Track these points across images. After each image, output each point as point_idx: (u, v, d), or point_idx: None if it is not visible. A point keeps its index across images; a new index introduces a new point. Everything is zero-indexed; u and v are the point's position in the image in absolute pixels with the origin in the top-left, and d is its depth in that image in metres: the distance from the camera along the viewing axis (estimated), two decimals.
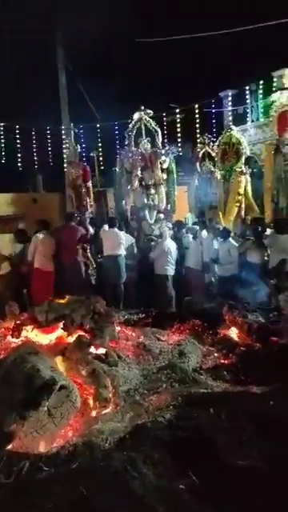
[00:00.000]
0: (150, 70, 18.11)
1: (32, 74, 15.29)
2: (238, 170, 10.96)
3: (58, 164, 14.37)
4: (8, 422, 3.69)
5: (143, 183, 10.82)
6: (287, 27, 11.96)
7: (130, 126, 11.37)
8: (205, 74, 18.27)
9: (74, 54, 15.44)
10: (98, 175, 15.17)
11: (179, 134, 14.48)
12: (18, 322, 5.38)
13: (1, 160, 13.55)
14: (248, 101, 15.25)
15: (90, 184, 11.64)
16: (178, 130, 14.50)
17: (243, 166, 11.11)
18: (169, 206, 11.23)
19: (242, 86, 14.79)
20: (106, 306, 5.87)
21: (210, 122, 15.78)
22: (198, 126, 14.48)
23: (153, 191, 10.81)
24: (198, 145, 13.16)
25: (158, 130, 11.41)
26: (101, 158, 15.20)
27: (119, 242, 9.15)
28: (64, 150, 14.04)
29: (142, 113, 11.28)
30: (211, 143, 12.73)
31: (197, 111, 14.20)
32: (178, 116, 14.61)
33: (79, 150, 11.89)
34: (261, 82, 14.48)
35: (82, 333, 5.14)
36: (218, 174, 11.56)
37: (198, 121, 14.41)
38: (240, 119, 16.28)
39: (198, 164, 12.93)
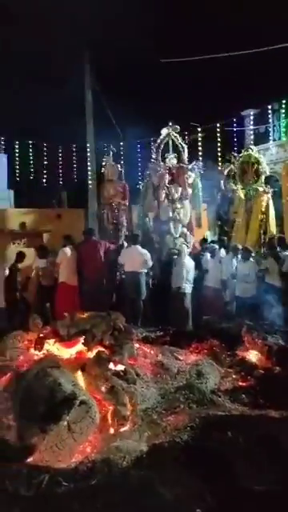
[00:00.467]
0: (172, 89, 18.39)
1: (58, 92, 15.68)
2: (260, 189, 11.00)
3: (82, 180, 14.64)
4: (29, 435, 3.78)
5: (169, 197, 10.99)
6: None
7: (158, 140, 11.60)
8: (227, 94, 18.46)
9: (101, 72, 15.81)
10: None
11: (200, 153, 14.62)
12: (41, 335, 5.48)
13: (28, 176, 13.87)
14: (270, 120, 15.34)
15: (127, 202, 11.78)
16: (200, 148, 14.65)
17: (264, 185, 11.14)
18: (194, 220, 11.35)
19: (265, 105, 14.91)
20: (126, 323, 5.94)
21: (231, 140, 15.91)
22: (219, 144, 14.60)
23: (178, 205, 10.96)
24: (226, 163, 13.24)
25: (185, 145, 11.61)
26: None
27: (141, 260, 9.24)
28: (88, 168, 14.31)
29: (170, 128, 11.50)
30: (235, 162, 12.81)
31: (218, 130, 14.33)
32: (199, 134, 14.77)
33: (120, 168, 12.07)
34: (283, 101, 14.58)
35: (101, 349, 5.22)
36: (241, 193, 11.61)
37: (219, 139, 14.53)
38: (262, 138, 16.36)
39: (222, 182, 12.99)
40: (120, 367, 4.99)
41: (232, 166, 12.86)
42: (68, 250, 9.06)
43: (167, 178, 11.00)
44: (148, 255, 9.31)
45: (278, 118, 15.60)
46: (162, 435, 4.05)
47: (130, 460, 3.59)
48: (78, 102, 15.92)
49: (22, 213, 11.05)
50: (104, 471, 3.43)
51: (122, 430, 4.21)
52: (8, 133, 15.55)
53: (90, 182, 14.56)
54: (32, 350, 5.42)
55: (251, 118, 15.68)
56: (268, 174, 11.81)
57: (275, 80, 16.14)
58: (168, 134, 11.47)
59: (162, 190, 10.94)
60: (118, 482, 3.30)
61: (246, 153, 11.54)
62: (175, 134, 11.51)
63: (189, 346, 6.33)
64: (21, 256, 9.09)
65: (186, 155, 11.52)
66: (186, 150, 11.61)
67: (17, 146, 14.80)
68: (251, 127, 15.76)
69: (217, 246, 10.15)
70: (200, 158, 14.30)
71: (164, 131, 11.57)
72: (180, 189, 11.03)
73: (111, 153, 11.94)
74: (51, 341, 5.42)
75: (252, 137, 15.24)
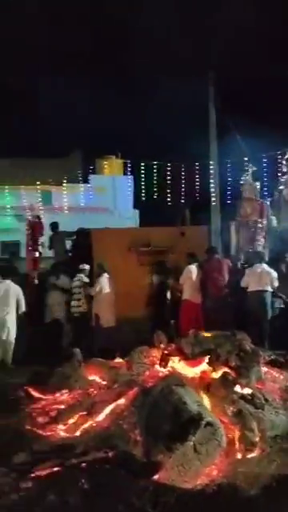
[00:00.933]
0: None
1: (181, 112, 16.08)
2: None
3: (204, 198, 14.73)
4: (155, 452, 3.82)
5: None
6: None
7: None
8: None
9: (224, 88, 15.86)
10: None
11: None
12: (166, 352, 5.56)
13: (152, 195, 14.40)
14: None
15: (264, 221, 11.59)
16: None
17: None
18: None
19: None
20: (252, 344, 5.75)
21: None
22: None
23: None
24: None
25: None
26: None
27: (268, 278, 8.93)
28: (211, 185, 14.37)
29: None
30: None
31: None
32: None
33: (258, 186, 12.00)
34: None
35: (227, 370, 5.11)
36: None
37: None
38: None
39: None
40: (247, 391, 4.82)
41: None
42: (193, 268, 9.13)
43: None
44: (274, 274, 8.95)
45: None
46: None
47: (258, 488, 3.43)
48: (201, 120, 16.13)
49: (147, 231, 11.44)
50: (230, 497, 3.33)
51: (250, 456, 4.05)
52: (133, 155, 16.35)
53: (213, 199, 14.55)
54: (157, 367, 5.51)
55: None
56: None
57: None
58: None
59: None
60: (244, 509, 3.17)
61: None
62: None
63: None
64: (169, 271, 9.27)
65: None
66: None
67: (142, 168, 15.43)
68: None
69: None
70: None
71: None
72: None
73: (250, 171, 11.84)
74: (176, 358, 5.46)
75: None
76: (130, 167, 16.88)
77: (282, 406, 4.82)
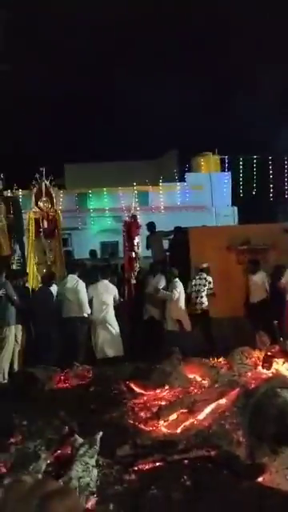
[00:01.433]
0: None
1: (282, 105, 15.44)
2: None
3: None
4: (259, 454, 3.70)
5: None
6: None
7: None
8: None
9: None
10: None
11: None
12: (269, 353, 5.37)
13: (251, 191, 13.98)
14: None
15: None
16: None
17: None
18: None
19: None
20: None
21: None
22: None
23: None
24: None
25: None
26: None
27: None
28: None
29: None
30: None
31: None
32: None
33: None
34: None
35: None
36: None
37: None
38: None
39: None
40: None
41: None
42: None
43: None
44: None
45: None
46: None
47: None
48: None
49: (246, 229, 11.13)
50: None
51: None
52: (231, 151, 16.04)
53: None
54: (260, 368, 5.34)
55: None
56: None
57: None
58: None
59: None
60: None
61: None
62: None
63: None
64: None
65: None
66: None
67: (240, 163, 15.08)
68: None
69: None
70: None
71: None
72: None
73: None
74: (280, 360, 5.25)
75: None
76: (227, 163, 16.59)
77: None
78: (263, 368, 5.27)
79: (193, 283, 8.63)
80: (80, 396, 5.70)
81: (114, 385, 5.81)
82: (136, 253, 9.77)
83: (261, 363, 5.35)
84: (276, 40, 13.77)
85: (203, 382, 5.76)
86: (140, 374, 5.91)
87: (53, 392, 5.90)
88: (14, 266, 8.85)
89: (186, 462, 3.89)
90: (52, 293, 7.81)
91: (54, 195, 9.57)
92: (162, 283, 8.72)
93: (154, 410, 4.98)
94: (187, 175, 18.30)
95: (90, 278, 8.38)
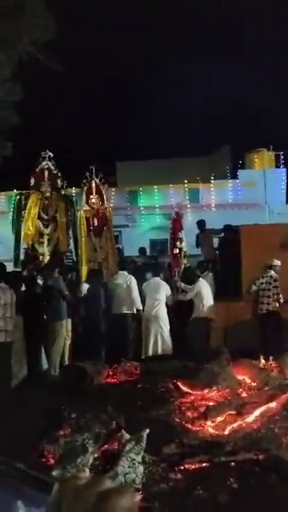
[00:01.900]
0: None
1: None
2: None
3: None
4: None
5: None
6: None
7: None
8: None
9: None
10: None
11: None
12: None
13: None
14: None
15: None
16: None
17: None
18: None
19: None
20: None
21: None
22: None
23: None
24: None
25: None
26: None
27: None
28: None
29: None
30: None
31: None
32: None
33: None
34: None
35: None
36: None
37: None
38: None
39: None
40: None
41: None
42: None
43: None
44: None
45: None
46: None
47: None
48: None
49: None
50: None
51: None
52: (287, 147, 15.54)
53: None
54: None
55: None
56: None
57: None
58: None
59: None
60: None
61: None
62: None
63: None
64: None
65: None
66: None
67: None
68: None
69: None
70: None
71: None
72: None
73: None
74: None
75: None
76: (282, 159, 16.10)
77: None
78: None
79: (260, 281, 8.24)
80: (127, 392, 5.75)
81: (162, 382, 5.82)
82: (180, 249, 9.69)
83: None
84: None
85: (253, 384, 5.65)
86: (188, 373, 5.89)
87: (101, 387, 6.00)
88: (66, 262, 9.06)
89: (232, 464, 3.84)
90: (101, 289, 7.91)
91: (104, 193, 9.66)
92: (182, 284, 8.55)
93: (202, 409, 4.94)
94: (240, 172, 17.94)
95: (140, 276, 8.41)
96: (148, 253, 13.20)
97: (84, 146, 18.29)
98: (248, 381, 5.72)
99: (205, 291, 8.05)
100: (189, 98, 19.57)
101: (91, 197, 9.43)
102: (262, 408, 4.67)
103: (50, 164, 9.39)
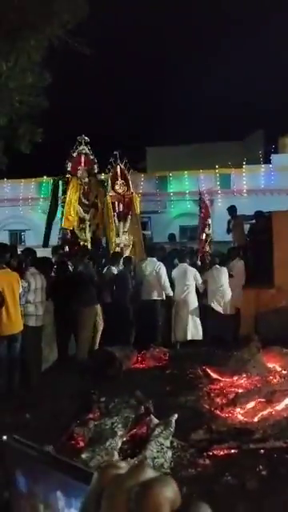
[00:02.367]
0: None
1: None
2: None
3: None
4: None
5: None
6: None
7: None
8: None
9: None
10: None
11: None
12: None
13: None
14: None
15: None
16: None
17: None
18: None
19: None
20: None
21: None
22: None
23: None
24: None
25: None
26: None
27: None
28: None
29: None
30: None
31: None
32: None
33: None
34: None
35: None
36: None
37: None
38: None
39: None
40: None
41: None
42: None
43: None
44: None
45: None
46: None
47: None
48: None
49: None
50: None
51: None
52: None
53: None
54: None
55: None
56: None
57: None
58: None
59: None
60: None
61: None
62: None
63: None
64: None
65: None
66: None
67: None
68: None
69: None
70: None
71: None
72: None
73: None
74: None
75: None
76: None
77: None
78: None
79: None
80: (156, 377, 5.77)
81: (191, 369, 5.81)
82: (207, 235, 9.56)
83: None
84: None
85: (283, 372, 5.57)
86: (217, 360, 5.85)
87: (130, 372, 6.04)
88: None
89: (261, 451, 3.81)
90: (130, 275, 7.93)
91: (129, 178, 9.60)
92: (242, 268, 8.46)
93: (231, 396, 4.91)
94: (273, 156, 17.54)
95: (169, 262, 8.38)
96: (178, 239, 13.13)
97: (114, 131, 18.24)
98: (278, 369, 5.64)
99: (212, 280, 7.99)
100: (221, 82, 19.17)
101: (117, 182, 9.40)
102: None
103: (87, 149, 9.36)
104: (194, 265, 8.55)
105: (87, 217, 9.17)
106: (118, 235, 9.18)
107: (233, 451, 3.86)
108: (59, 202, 9.38)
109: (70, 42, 8.66)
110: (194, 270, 8.16)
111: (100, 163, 9.54)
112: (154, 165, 18.35)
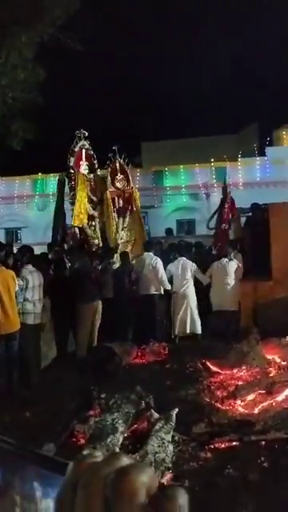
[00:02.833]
0: None
1: None
2: None
3: None
4: None
5: None
6: None
7: None
8: None
9: None
10: None
11: None
12: None
13: None
14: None
15: None
16: None
17: None
18: None
19: None
20: None
21: None
22: None
23: None
24: None
25: None
26: None
27: None
28: None
29: None
30: None
31: None
32: None
33: None
34: None
35: None
36: None
37: None
38: None
39: None
40: None
41: None
42: None
43: None
44: None
45: None
46: None
47: None
48: None
49: None
50: None
51: None
52: None
53: None
54: None
55: None
56: None
57: None
58: None
59: None
60: None
61: None
62: None
63: None
64: None
65: None
66: None
67: None
68: None
69: None
70: None
71: None
72: None
73: None
74: None
75: None
76: None
77: None
78: None
79: None
80: (156, 372, 5.77)
81: (190, 362, 5.81)
82: (211, 228, 9.57)
83: None
84: None
85: (282, 363, 5.57)
86: (217, 353, 5.86)
87: (130, 367, 6.03)
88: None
89: (263, 443, 3.81)
90: (128, 270, 7.91)
91: (129, 173, 9.53)
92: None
93: (231, 389, 4.91)
94: (268, 149, 17.51)
95: (167, 256, 8.37)
96: (175, 233, 13.11)
97: (108, 126, 18.15)
98: (278, 360, 5.64)
99: (220, 274, 8.01)
100: (215, 75, 19.08)
101: (116, 177, 9.33)
102: None
103: (87, 143, 9.23)
104: (197, 258, 8.59)
105: (96, 214, 9.08)
106: (117, 231, 9.13)
107: (234, 443, 3.86)
108: (66, 198, 9.25)
109: (61, 38, 8.60)
110: (192, 263, 8.16)
111: (97, 159, 9.46)
112: (149, 159, 18.29)
